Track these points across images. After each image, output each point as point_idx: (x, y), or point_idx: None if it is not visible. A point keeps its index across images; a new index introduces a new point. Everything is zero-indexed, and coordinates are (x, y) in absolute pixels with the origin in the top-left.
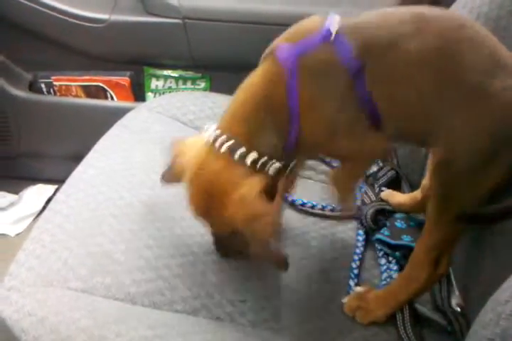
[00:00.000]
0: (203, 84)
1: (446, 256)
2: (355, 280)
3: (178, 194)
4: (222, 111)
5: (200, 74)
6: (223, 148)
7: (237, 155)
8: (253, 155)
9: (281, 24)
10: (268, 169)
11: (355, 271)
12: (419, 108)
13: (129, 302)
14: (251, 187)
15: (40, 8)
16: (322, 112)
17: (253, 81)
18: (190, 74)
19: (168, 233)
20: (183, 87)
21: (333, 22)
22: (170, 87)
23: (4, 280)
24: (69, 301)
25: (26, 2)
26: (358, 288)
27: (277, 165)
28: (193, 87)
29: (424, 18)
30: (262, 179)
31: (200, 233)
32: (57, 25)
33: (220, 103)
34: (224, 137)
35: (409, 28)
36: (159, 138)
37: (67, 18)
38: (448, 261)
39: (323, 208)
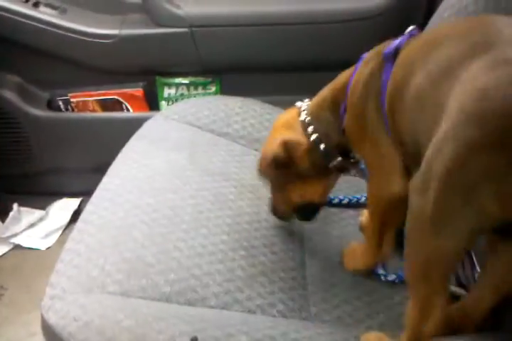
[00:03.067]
0: (213, 88)
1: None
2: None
3: (201, 196)
4: (235, 112)
5: (210, 79)
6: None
7: (301, 115)
8: (306, 118)
9: (286, 24)
10: (312, 136)
11: None
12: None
13: (165, 301)
14: (287, 134)
15: (52, 29)
16: (357, 96)
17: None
18: (200, 79)
19: (195, 234)
20: (195, 92)
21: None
22: (182, 94)
23: (46, 290)
24: (110, 304)
25: (38, 24)
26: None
27: (316, 135)
28: (204, 91)
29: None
30: (302, 140)
31: (226, 232)
32: (69, 43)
33: (232, 105)
34: (304, 107)
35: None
36: (177, 144)
37: (79, 36)
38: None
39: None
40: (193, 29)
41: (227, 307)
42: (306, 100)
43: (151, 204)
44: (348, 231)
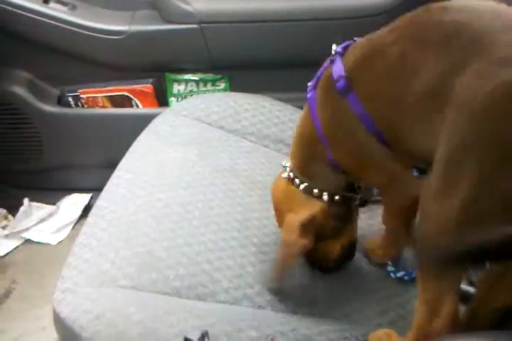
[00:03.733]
0: (222, 85)
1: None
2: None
3: (211, 192)
4: (244, 109)
5: (219, 76)
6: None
7: (295, 184)
8: (304, 185)
9: (295, 20)
10: (323, 197)
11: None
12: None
13: (176, 295)
14: (298, 215)
15: (62, 25)
16: (338, 137)
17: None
18: (209, 76)
19: (205, 230)
20: (204, 89)
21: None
22: (191, 91)
23: (58, 284)
24: (121, 298)
25: (48, 20)
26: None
27: (326, 194)
28: (213, 88)
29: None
30: (316, 206)
31: (236, 228)
32: (79, 40)
33: (241, 101)
34: (289, 169)
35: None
36: (187, 140)
37: (88, 32)
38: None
39: None
40: (203, 25)
41: (237, 303)
42: (287, 164)
43: (162, 199)
44: (360, 229)
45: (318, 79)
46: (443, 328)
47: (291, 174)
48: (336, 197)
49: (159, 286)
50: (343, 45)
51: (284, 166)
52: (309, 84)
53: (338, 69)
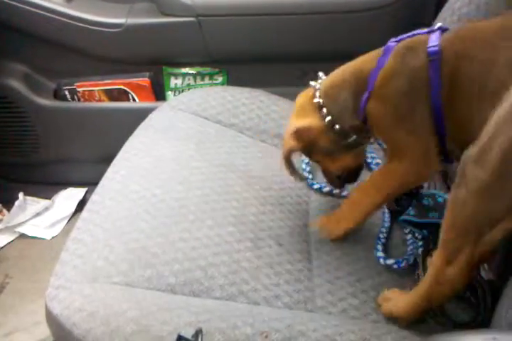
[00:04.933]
0: (220, 79)
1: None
2: (382, 246)
3: (207, 187)
4: (241, 103)
5: (217, 70)
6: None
7: (318, 102)
8: (319, 100)
9: (294, 14)
10: (326, 119)
11: (383, 240)
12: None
13: (170, 292)
14: (298, 122)
15: (59, 18)
16: (393, 90)
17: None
18: (207, 70)
19: (201, 225)
20: (201, 83)
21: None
22: (189, 84)
23: (51, 280)
24: (115, 295)
25: (44, 12)
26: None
27: (329, 118)
28: (210, 82)
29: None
30: (316, 123)
31: (232, 223)
32: (76, 32)
33: (239, 96)
34: (318, 88)
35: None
36: (184, 134)
37: (85, 25)
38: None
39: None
40: (200, 18)
41: (232, 299)
42: (322, 77)
43: (157, 194)
44: None
45: (401, 39)
46: (456, 276)
47: (318, 86)
48: (336, 126)
49: (153, 283)
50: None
51: (319, 78)
52: (392, 40)
53: (436, 37)
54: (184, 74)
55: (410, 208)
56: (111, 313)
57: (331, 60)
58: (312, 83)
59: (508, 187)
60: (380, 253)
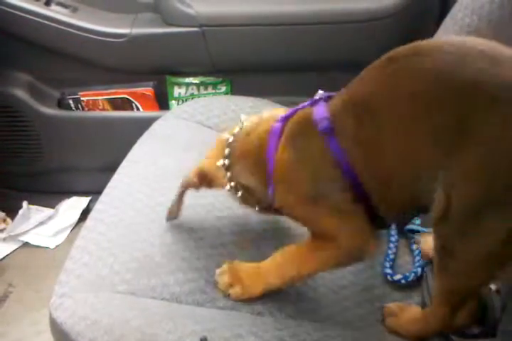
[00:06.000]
0: (223, 88)
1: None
2: (390, 262)
3: (210, 196)
4: (245, 112)
5: (220, 79)
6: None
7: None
8: (225, 161)
9: (297, 24)
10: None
11: (391, 256)
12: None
13: (174, 301)
14: (204, 164)
15: (63, 28)
16: (297, 175)
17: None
18: (210, 79)
19: (205, 234)
20: (205, 92)
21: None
22: (192, 94)
23: (55, 289)
24: (119, 304)
25: (49, 22)
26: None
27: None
28: (214, 91)
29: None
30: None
31: (235, 232)
32: (81, 42)
33: (242, 105)
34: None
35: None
36: (187, 143)
37: (89, 35)
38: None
39: None
40: (204, 28)
41: (236, 309)
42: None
43: (161, 203)
44: None
45: (287, 117)
46: (457, 319)
47: (231, 140)
48: (239, 193)
49: (158, 292)
50: (327, 94)
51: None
52: (276, 122)
53: (322, 111)
54: (188, 84)
55: (417, 217)
56: (115, 322)
57: (335, 69)
58: (237, 127)
59: (504, 262)
60: (388, 270)
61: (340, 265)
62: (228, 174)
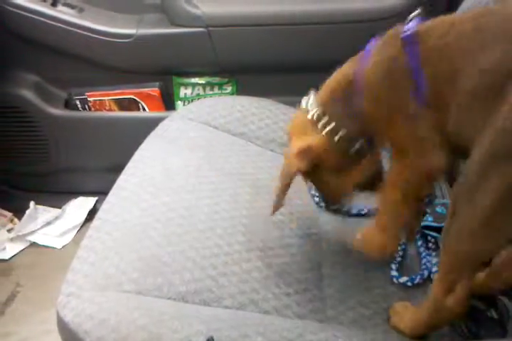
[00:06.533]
0: (229, 89)
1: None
2: (397, 265)
3: (217, 196)
4: (251, 113)
5: (226, 79)
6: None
7: (313, 116)
8: (315, 113)
9: (302, 23)
10: (328, 132)
11: (398, 259)
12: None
13: (181, 300)
14: (299, 142)
15: (70, 28)
16: (380, 88)
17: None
18: (216, 80)
19: (211, 234)
20: (211, 92)
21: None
22: (198, 94)
23: (62, 288)
24: (125, 303)
25: (55, 23)
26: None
27: (333, 126)
28: (220, 92)
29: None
30: (317, 139)
31: (242, 232)
32: (86, 43)
33: (248, 105)
34: (314, 102)
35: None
36: (193, 143)
37: (96, 35)
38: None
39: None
40: (210, 29)
41: (242, 308)
42: (311, 96)
43: (167, 203)
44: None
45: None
46: (455, 305)
47: (309, 103)
48: (336, 137)
49: (164, 291)
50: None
51: (309, 95)
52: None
53: (411, 26)
54: (194, 84)
55: (428, 215)
56: (122, 321)
57: None
58: (303, 102)
59: (501, 229)
60: (395, 273)
61: (421, 177)
62: (324, 119)
